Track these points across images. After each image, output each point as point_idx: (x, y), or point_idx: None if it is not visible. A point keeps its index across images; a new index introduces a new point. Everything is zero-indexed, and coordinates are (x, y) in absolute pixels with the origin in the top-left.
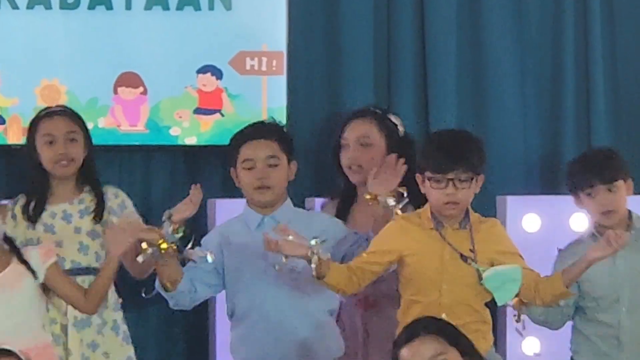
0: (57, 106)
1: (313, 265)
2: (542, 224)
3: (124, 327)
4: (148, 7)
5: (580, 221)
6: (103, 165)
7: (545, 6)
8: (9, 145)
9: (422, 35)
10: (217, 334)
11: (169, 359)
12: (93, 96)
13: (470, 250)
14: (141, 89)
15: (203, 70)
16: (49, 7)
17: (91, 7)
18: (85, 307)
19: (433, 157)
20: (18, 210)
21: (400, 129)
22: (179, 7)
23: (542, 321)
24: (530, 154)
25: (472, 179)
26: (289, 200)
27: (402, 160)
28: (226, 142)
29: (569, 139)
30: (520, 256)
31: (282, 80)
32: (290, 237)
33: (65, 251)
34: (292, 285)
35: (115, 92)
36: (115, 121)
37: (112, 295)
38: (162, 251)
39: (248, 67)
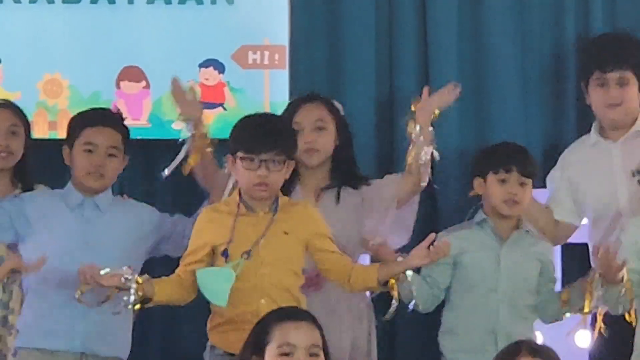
0: (1, 100)
1: (132, 291)
2: None
3: None
4: (150, 1)
5: None
6: None
7: (546, 3)
8: None
9: (424, 29)
10: None
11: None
12: (96, 90)
13: (285, 233)
14: (144, 83)
15: (205, 64)
16: (51, 1)
17: (94, 1)
18: None
19: (248, 137)
20: None
21: (342, 113)
22: (182, 1)
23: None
24: (532, 150)
25: (284, 162)
26: (110, 189)
27: None
28: (229, 136)
29: (570, 134)
30: (331, 239)
31: (284, 74)
32: (104, 271)
33: None
34: None
35: (118, 86)
36: None
37: None
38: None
39: (250, 61)
